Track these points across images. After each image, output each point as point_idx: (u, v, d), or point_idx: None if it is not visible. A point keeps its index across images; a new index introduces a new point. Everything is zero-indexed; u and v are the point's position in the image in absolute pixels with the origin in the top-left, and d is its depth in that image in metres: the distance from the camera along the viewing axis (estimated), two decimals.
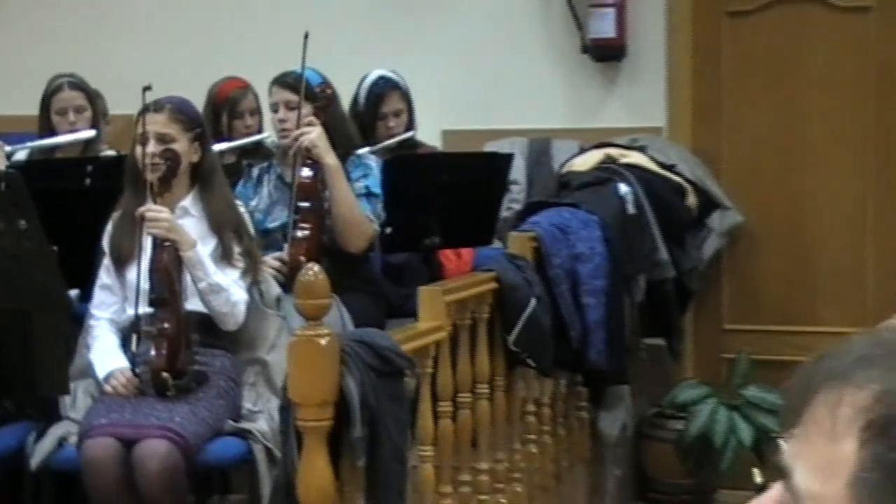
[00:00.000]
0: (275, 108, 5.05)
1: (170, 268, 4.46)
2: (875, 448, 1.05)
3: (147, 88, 4.54)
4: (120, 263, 4.59)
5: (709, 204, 6.68)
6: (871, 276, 6.72)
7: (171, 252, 4.45)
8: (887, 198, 6.27)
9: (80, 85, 5.72)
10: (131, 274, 4.56)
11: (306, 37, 5.03)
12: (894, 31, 6.73)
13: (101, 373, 4.52)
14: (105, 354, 4.56)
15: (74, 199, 4.96)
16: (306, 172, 4.92)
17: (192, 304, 4.57)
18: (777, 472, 1.12)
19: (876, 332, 1.13)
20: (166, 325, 4.44)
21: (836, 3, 6.78)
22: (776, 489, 1.12)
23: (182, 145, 4.59)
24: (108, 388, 4.47)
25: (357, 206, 4.93)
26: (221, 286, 4.51)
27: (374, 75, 5.26)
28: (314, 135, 4.76)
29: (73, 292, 4.87)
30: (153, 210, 4.46)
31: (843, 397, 1.08)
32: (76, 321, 4.78)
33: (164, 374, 4.39)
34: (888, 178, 6.52)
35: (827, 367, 1.11)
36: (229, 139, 5.78)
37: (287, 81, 5.07)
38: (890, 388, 1.06)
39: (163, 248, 4.45)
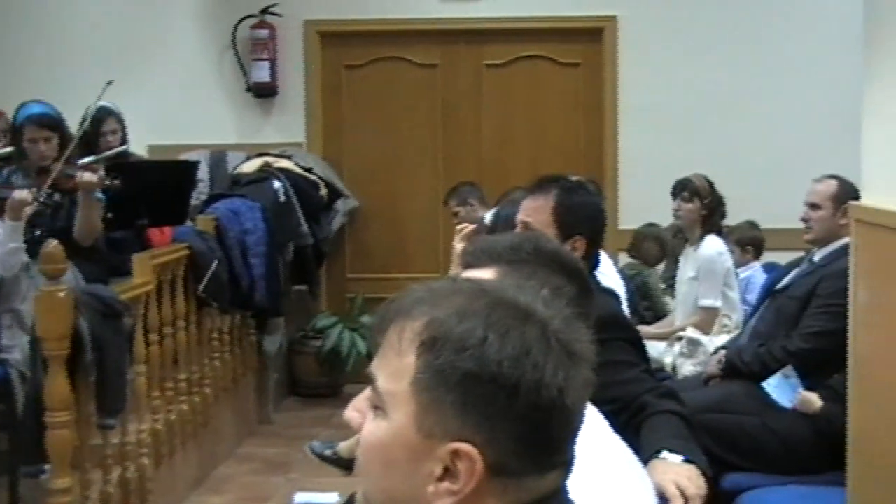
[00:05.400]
0: (34, 141, 4.57)
1: None
2: (426, 358, 1.06)
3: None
4: None
5: (335, 194, 6.70)
6: (442, 241, 6.88)
7: None
8: (447, 189, 6.42)
9: None
10: None
11: (109, 83, 4.72)
12: (453, 81, 6.90)
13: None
14: None
15: None
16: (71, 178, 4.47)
17: None
18: (368, 378, 1.12)
19: (429, 281, 1.14)
20: None
21: (417, 61, 6.89)
22: (368, 390, 1.12)
23: None
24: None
25: (99, 222, 4.54)
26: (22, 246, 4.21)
27: (96, 104, 4.96)
28: (96, 179, 4.36)
29: None
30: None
31: (405, 326, 1.09)
32: None
33: None
34: (450, 177, 6.68)
35: (396, 307, 1.12)
36: None
37: (42, 121, 4.60)
38: (434, 317, 1.07)
39: None
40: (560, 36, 6.81)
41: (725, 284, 4.94)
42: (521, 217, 2.78)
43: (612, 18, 6.70)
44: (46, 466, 3.73)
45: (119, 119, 5.09)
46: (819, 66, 6.53)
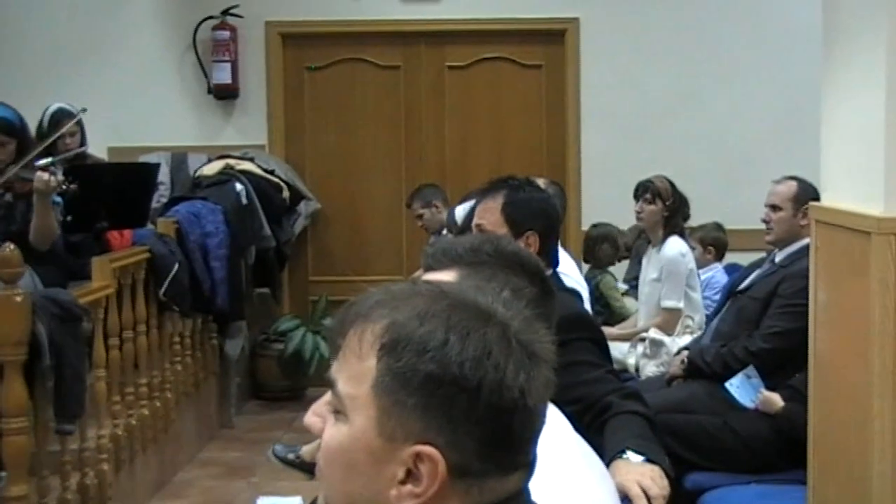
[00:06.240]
0: None
1: None
2: (387, 361, 1.06)
3: None
4: None
5: (297, 196, 6.67)
6: (405, 245, 6.89)
7: None
8: (410, 192, 6.42)
9: None
10: None
11: (83, 110, 4.85)
12: (415, 83, 6.90)
13: None
14: None
15: None
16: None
17: None
18: (328, 382, 1.11)
19: (389, 284, 1.14)
20: None
21: (379, 63, 6.88)
22: (328, 394, 1.11)
23: None
24: None
25: (54, 226, 4.45)
26: None
27: (54, 106, 4.91)
28: (53, 182, 4.29)
29: None
30: None
31: (365, 330, 1.08)
32: None
33: None
34: (413, 179, 6.68)
35: (355, 310, 1.11)
36: None
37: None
38: (394, 320, 1.07)
39: None
40: (522, 37, 6.83)
41: (688, 285, 4.97)
42: (475, 222, 2.81)
43: (575, 20, 6.73)
44: (3, 473, 3.69)
45: (78, 121, 5.04)
46: (778, 67, 6.59)
